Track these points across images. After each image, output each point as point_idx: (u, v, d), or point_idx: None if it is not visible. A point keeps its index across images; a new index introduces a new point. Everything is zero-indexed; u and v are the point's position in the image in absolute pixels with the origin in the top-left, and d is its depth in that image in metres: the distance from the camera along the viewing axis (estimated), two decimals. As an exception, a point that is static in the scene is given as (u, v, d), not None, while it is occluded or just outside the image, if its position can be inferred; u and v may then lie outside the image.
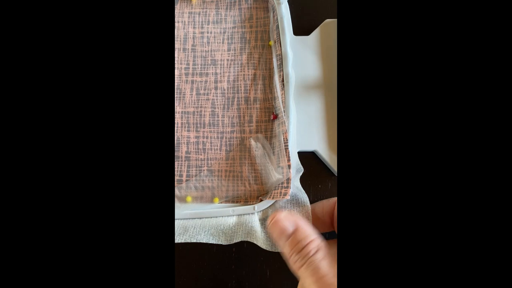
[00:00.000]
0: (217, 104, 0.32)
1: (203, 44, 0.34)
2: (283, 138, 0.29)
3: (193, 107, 0.32)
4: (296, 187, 0.28)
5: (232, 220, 0.28)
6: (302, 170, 0.29)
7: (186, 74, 0.33)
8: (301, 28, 0.34)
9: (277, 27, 0.32)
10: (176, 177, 0.31)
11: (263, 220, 0.28)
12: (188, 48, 0.34)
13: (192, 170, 0.31)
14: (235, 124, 0.32)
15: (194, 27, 0.34)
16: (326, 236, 0.28)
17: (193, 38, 0.34)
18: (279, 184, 0.28)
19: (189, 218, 0.28)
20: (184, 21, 0.34)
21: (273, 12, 0.33)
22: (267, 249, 0.26)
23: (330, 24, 0.33)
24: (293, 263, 0.22)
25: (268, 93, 0.32)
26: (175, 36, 0.34)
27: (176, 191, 0.30)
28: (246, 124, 0.32)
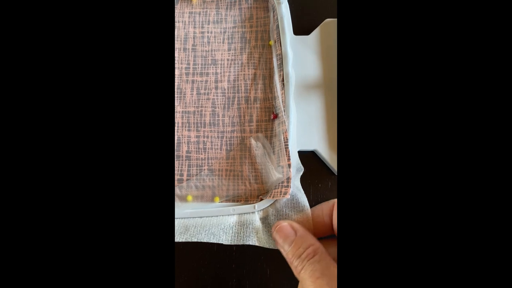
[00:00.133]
0: (218, 104, 0.32)
1: (204, 44, 0.34)
2: (283, 138, 0.29)
3: (194, 106, 0.32)
4: (296, 187, 0.28)
5: (232, 219, 0.28)
6: (302, 169, 0.29)
7: (187, 74, 0.33)
8: (301, 27, 0.34)
9: (277, 26, 0.32)
10: (177, 176, 0.31)
11: (263, 219, 0.28)
12: (189, 48, 0.34)
13: (192, 170, 0.31)
14: (236, 124, 0.32)
15: (194, 27, 0.34)
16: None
17: (194, 38, 0.34)
18: (279, 183, 0.28)
19: (190, 217, 0.28)
20: (185, 21, 0.35)
21: (273, 12, 0.33)
22: (270, 247, 0.26)
23: (330, 24, 0.33)
24: (295, 268, 0.24)
25: (268, 93, 0.32)
26: (176, 36, 0.34)
27: (177, 190, 0.30)
28: (246, 123, 0.32)
